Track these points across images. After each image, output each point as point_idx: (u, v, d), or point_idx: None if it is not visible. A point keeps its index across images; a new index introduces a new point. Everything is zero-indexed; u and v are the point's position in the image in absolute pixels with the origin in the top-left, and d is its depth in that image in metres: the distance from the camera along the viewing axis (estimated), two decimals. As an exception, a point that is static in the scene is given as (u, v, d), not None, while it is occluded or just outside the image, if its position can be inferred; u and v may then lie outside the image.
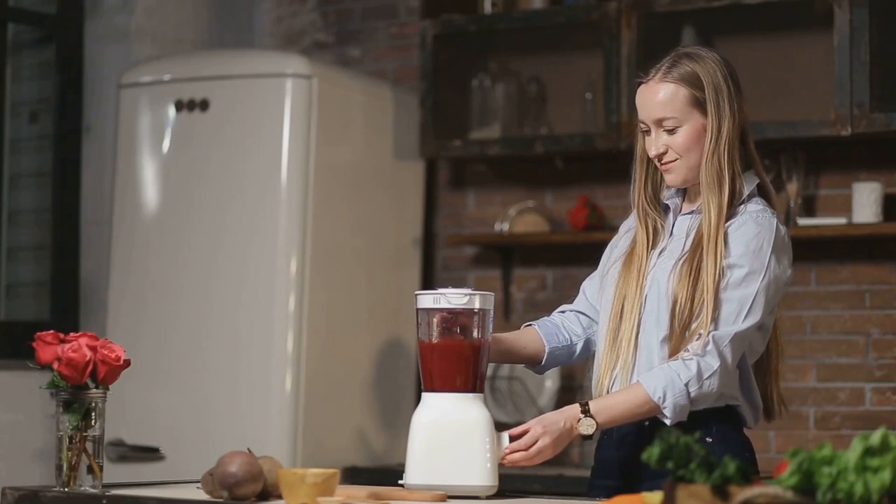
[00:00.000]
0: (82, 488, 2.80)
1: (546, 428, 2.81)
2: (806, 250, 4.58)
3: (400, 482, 2.83)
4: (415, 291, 2.98)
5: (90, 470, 2.81)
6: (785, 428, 4.58)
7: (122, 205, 4.89)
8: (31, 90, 5.21)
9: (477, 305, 2.83)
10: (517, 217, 5.00)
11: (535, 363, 3.13)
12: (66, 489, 2.80)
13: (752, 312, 2.87)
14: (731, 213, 2.92)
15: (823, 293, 4.63)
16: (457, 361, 2.81)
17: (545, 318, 3.18)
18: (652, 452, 1.96)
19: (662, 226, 3.01)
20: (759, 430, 4.57)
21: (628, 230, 3.09)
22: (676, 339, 2.88)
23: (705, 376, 2.83)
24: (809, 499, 1.87)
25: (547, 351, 3.11)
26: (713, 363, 2.83)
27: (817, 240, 4.56)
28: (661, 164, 2.96)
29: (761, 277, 2.88)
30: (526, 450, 2.81)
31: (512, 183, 5.15)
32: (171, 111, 4.86)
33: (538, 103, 5.03)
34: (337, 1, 5.51)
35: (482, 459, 2.77)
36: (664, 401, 2.81)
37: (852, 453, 1.86)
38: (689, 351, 2.84)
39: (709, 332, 2.83)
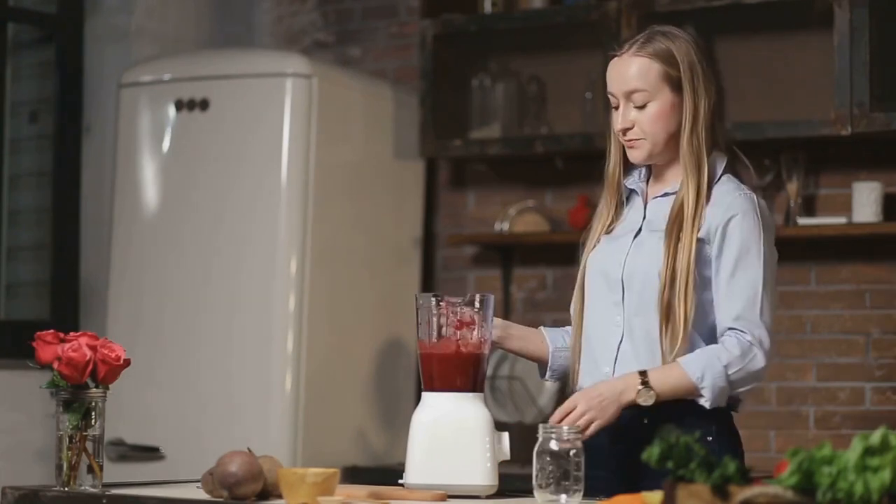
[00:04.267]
0: (82, 488, 2.80)
1: (586, 397, 2.82)
2: (806, 250, 4.58)
3: (400, 482, 2.83)
4: (415, 292, 2.98)
5: (90, 470, 2.81)
6: (785, 428, 4.57)
7: (122, 205, 4.89)
8: (31, 90, 5.21)
9: (477, 305, 2.83)
10: (517, 217, 5.00)
11: (542, 360, 3.13)
12: (66, 489, 2.80)
13: (766, 289, 2.89)
14: (707, 194, 2.92)
15: (823, 293, 4.63)
16: (457, 361, 2.81)
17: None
18: (652, 452, 1.96)
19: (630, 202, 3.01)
20: (760, 430, 4.58)
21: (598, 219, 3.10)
22: (662, 320, 2.88)
23: (748, 358, 2.85)
24: (809, 499, 1.87)
25: (550, 351, 3.11)
26: (756, 344, 2.85)
27: (817, 239, 4.55)
28: (626, 140, 2.97)
29: (761, 261, 2.90)
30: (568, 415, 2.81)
31: (512, 183, 5.15)
32: (171, 111, 4.85)
33: (538, 103, 5.02)
34: (337, 1, 5.51)
35: (482, 459, 2.77)
36: (703, 381, 2.83)
37: (852, 453, 1.86)
38: (733, 335, 2.86)
39: (735, 318, 2.85)
